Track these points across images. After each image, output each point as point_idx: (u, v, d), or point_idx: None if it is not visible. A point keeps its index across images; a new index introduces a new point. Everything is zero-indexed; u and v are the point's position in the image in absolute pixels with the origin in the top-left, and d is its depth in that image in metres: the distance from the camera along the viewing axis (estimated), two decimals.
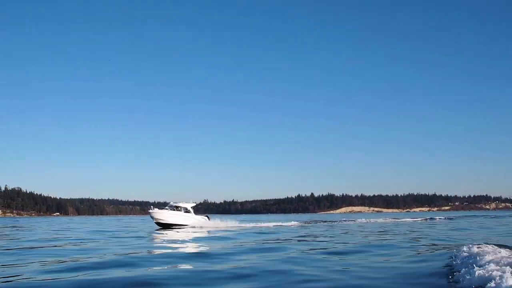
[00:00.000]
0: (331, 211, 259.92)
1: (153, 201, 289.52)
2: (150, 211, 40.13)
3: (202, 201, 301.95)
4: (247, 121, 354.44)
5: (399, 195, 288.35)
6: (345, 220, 55.45)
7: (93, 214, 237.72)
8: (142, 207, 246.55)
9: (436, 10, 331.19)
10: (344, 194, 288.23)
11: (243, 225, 41.43)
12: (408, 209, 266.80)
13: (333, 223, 48.53)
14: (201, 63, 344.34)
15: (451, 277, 8.49)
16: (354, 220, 55.17)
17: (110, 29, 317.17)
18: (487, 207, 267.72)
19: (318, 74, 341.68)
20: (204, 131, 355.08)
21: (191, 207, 40.89)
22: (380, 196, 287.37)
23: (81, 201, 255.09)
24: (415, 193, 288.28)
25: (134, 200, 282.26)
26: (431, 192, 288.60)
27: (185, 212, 40.26)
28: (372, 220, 55.73)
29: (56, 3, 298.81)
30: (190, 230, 33.62)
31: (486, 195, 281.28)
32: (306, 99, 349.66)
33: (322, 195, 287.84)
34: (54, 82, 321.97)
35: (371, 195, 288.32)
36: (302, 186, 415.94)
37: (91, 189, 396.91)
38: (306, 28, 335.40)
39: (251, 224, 42.91)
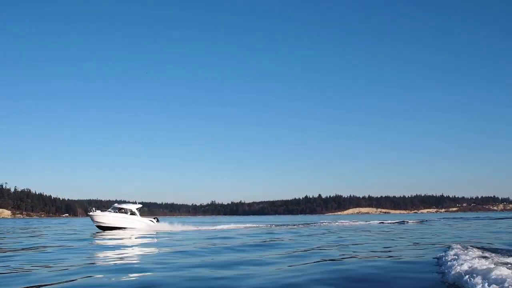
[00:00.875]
0: (339, 212, 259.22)
1: (160, 202, 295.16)
2: (90, 213, 37.49)
3: (209, 202, 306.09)
4: (254, 122, 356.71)
5: (407, 196, 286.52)
6: (352, 223, 49.19)
7: None
8: (150, 208, 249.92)
9: (436, 10, 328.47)
10: (352, 195, 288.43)
11: (194, 227, 38.75)
12: (415, 210, 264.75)
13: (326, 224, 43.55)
14: (201, 63, 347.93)
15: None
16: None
17: (110, 29, 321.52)
18: (495, 208, 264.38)
19: (319, 74, 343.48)
20: (211, 132, 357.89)
21: (137, 209, 39.15)
22: (387, 197, 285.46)
23: (89, 202, 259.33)
24: (423, 194, 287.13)
25: (142, 201, 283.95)
26: (438, 193, 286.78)
27: (130, 214, 38.35)
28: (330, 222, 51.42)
29: (56, 3, 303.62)
30: (127, 235, 29.17)
31: (494, 196, 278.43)
32: (308, 99, 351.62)
33: (330, 196, 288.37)
34: (59, 83, 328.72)
35: (379, 196, 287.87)
36: (310, 187, 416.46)
37: (99, 190, 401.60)
38: (306, 28, 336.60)
39: (207, 227, 39.98)
